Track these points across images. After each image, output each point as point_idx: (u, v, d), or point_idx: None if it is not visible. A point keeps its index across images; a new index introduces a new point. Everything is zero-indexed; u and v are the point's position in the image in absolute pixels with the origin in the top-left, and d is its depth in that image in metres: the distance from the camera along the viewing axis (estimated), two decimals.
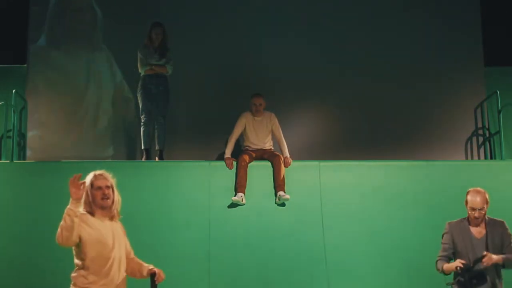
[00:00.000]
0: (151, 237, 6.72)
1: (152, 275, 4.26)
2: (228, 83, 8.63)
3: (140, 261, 4.39)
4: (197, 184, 7.12)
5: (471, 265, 4.85)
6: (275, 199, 7.04)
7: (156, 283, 4.24)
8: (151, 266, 4.33)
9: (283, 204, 7.04)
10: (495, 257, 4.78)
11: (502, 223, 5.04)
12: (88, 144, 8.47)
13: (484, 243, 4.92)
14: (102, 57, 8.73)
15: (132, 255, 4.39)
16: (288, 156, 7.29)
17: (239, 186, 7.00)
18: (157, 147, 7.84)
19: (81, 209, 4.08)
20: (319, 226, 6.98)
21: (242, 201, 6.94)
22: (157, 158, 7.79)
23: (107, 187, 4.19)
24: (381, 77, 8.73)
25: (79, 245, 4.06)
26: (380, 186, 7.19)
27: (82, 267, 4.08)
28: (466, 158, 8.64)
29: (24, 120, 8.39)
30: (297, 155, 7.72)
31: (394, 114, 8.69)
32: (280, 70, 8.69)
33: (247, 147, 7.43)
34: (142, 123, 7.86)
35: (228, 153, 7.29)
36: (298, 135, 8.53)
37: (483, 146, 8.72)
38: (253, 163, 7.21)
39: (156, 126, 7.86)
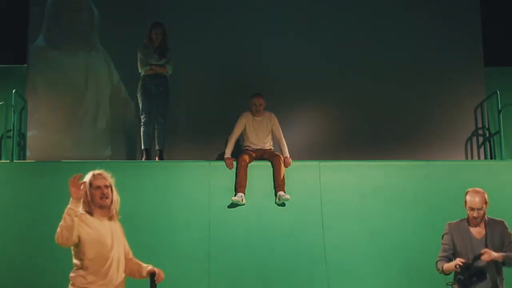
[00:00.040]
0: (151, 237, 6.72)
1: (152, 274, 4.24)
2: (228, 83, 8.63)
3: (139, 262, 4.37)
4: (197, 184, 7.12)
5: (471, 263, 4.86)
6: (275, 199, 7.04)
7: (156, 283, 4.22)
8: (150, 266, 4.31)
9: (283, 204, 7.03)
10: (494, 254, 4.78)
11: (501, 223, 5.03)
12: (88, 144, 8.47)
13: (483, 243, 4.91)
14: (100, 57, 8.73)
15: (131, 255, 4.38)
16: (288, 156, 7.28)
17: (239, 186, 6.99)
18: (157, 147, 7.84)
19: (80, 209, 4.06)
20: (319, 226, 6.98)
21: (242, 201, 6.94)
22: (157, 158, 7.79)
23: (106, 186, 4.17)
24: (381, 77, 8.73)
25: (78, 245, 4.04)
26: (380, 186, 7.18)
27: (81, 267, 4.07)
28: (466, 158, 8.64)
29: (24, 120, 8.38)
30: (297, 155, 7.72)
31: (394, 114, 8.69)
32: (280, 70, 8.69)
33: (247, 147, 7.43)
34: (142, 123, 7.86)
35: (228, 153, 7.28)
36: (298, 135, 8.52)
37: (483, 146, 8.71)
38: (253, 163, 7.21)
39: (156, 126, 7.85)
